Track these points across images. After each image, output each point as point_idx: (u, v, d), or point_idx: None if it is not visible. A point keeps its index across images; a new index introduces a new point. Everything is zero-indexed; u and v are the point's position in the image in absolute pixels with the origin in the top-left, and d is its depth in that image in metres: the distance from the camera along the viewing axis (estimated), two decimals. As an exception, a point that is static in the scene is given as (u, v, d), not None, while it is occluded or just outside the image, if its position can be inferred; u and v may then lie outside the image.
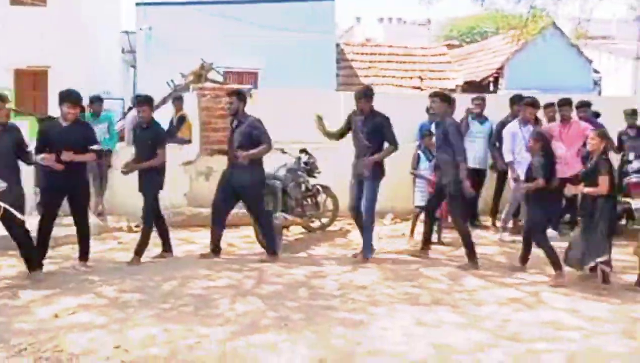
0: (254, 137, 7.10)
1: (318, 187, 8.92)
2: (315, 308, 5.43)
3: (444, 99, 7.35)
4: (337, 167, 9.65)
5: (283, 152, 8.77)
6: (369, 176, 7.16)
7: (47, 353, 4.39)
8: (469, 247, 7.09)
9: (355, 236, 8.65)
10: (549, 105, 9.10)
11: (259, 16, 16.63)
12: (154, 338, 4.64)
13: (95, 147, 6.79)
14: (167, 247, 7.38)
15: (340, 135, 7.56)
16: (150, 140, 7.01)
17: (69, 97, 6.53)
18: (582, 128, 8.60)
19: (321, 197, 9.04)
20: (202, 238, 8.46)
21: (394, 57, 19.94)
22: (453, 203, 7.20)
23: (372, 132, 7.18)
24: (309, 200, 8.89)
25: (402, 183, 8.99)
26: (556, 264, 6.48)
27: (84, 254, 6.84)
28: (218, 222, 7.33)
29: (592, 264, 6.32)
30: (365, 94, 7.28)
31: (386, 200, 9.98)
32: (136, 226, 8.70)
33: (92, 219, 8.87)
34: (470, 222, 9.40)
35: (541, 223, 6.70)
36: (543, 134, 7.05)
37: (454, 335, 4.84)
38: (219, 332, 4.78)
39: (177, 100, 10.31)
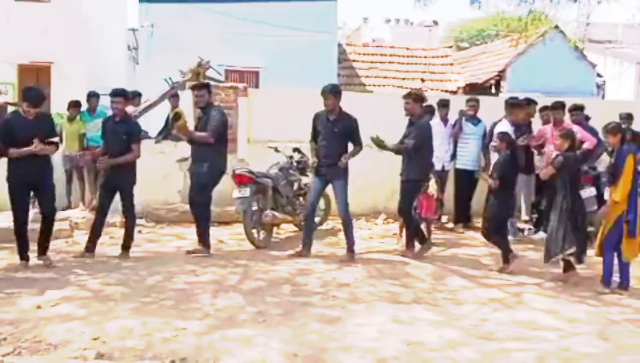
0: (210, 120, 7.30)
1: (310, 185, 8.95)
2: (295, 304, 5.50)
3: (417, 98, 7.45)
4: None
5: (276, 150, 8.83)
6: (342, 177, 7.28)
7: (26, 343, 4.47)
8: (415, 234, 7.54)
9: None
10: (544, 108, 9.15)
11: (261, 15, 16.70)
12: (132, 331, 4.72)
13: (54, 139, 6.73)
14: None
15: (316, 141, 7.54)
16: (125, 134, 7.03)
17: (28, 97, 6.52)
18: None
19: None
20: (195, 234, 8.55)
21: (396, 58, 19.98)
22: (403, 195, 7.45)
23: (344, 133, 7.29)
24: (300, 198, 8.93)
25: (397, 183, 8.97)
26: (505, 257, 7.03)
27: (45, 249, 6.73)
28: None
29: (558, 257, 6.52)
30: (333, 90, 7.36)
31: (380, 200, 10.12)
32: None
33: (86, 213, 9.03)
34: (464, 224, 9.48)
35: (498, 217, 7.09)
36: (508, 133, 7.45)
37: (428, 332, 4.90)
38: (197, 326, 4.86)
39: (173, 97, 10.39)
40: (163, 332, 4.73)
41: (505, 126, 8.45)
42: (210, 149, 7.28)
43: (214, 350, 4.43)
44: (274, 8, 17.05)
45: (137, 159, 7.16)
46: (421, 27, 29.68)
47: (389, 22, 41.03)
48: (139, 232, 8.14)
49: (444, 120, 9.38)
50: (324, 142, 7.36)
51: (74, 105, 9.58)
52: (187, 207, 9.37)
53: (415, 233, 7.58)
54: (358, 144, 7.36)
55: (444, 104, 9.46)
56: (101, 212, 7.22)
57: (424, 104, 9.36)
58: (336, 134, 7.28)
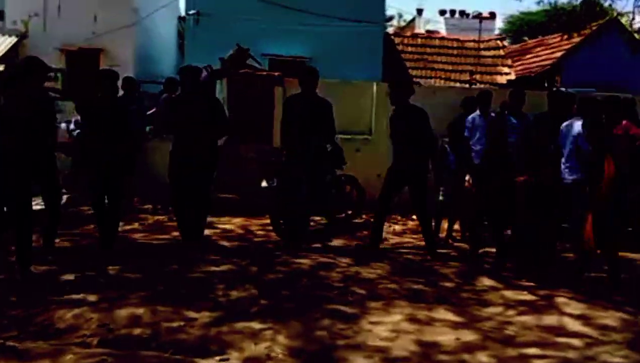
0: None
1: (343, 178, 8.77)
2: (310, 299, 5.35)
3: (404, 85, 7.28)
4: (366, 158, 9.58)
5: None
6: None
7: (33, 327, 4.46)
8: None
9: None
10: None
11: (308, 4, 16.51)
12: (140, 319, 4.67)
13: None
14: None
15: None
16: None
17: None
18: (622, 126, 8.20)
19: (347, 188, 8.90)
20: (225, 224, 8.53)
21: (445, 50, 19.50)
22: (416, 189, 7.09)
23: (320, 115, 7.17)
24: (333, 191, 8.75)
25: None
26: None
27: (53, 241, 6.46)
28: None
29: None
30: (312, 72, 7.28)
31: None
32: (160, 208, 8.80)
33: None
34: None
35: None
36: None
37: (445, 334, 4.68)
38: (206, 317, 4.77)
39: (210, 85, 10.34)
40: (171, 321, 4.66)
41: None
42: None
43: (220, 343, 4.33)
44: (321, -3, 16.85)
45: None
46: (477, 20, 28.93)
47: (444, 14, 40.32)
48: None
49: (485, 113, 9.03)
50: (304, 125, 7.16)
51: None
52: (221, 196, 9.42)
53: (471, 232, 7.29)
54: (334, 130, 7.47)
55: (484, 97, 9.10)
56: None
57: (467, 96, 9.15)
58: (316, 117, 7.20)
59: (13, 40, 16.40)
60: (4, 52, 15.65)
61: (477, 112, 8.96)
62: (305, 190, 7.12)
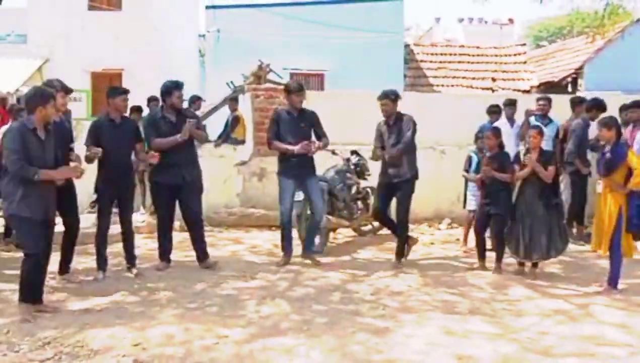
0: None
1: (368, 189, 8.71)
2: (342, 313, 5.29)
3: (396, 99, 7.10)
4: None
5: (333, 153, 8.61)
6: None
7: (67, 348, 4.46)
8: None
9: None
10: (624, 108, 8.52)
11: (326, 17, 16.61)
12: (173, 337, 4.65)
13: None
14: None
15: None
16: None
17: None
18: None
19: (372, 200, 8.84)
20: (252, 239, 8.52)
21: (466, 58, 19.42)
22: (405, 197, 7.02)
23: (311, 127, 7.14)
24: (358, 202, 8.71)
25: (462, 186, 8.59)
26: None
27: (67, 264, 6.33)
28: None
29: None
30: (302, 88, 7.19)
31: (445, 204, 9.75)
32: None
33: (145, 217, 9.13)
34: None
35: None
36: (499, 129, 7.28)
37: (481, 346, 4.59)
38: (238, 334, 4.74)
39: (232, 101, 10.40)
40: (204, 339, 4.63)
41: None
42: None
43: (253, 360, 4.29)
44: (339, 10, 16.93)
45: None
46: (496, 26, 28.81)
47: (462, 21, 40.24)
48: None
49: (510, 120, 8.95)
50: (298, 139, 7.03)
51: (136, 110, 9.69)
52: (247, 210, 9.43)
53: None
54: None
55: (510, 103, 9.03)
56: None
57: (492, 104, 9.08)
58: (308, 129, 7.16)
59: (38, 63, 16.67)
60: (29, 75, 15.89)
61: (503, 118, 8.90)
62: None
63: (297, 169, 7.00)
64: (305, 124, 7.09)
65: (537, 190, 6.65)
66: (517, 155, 7.29)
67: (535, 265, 6.81)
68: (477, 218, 7.22)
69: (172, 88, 6.77)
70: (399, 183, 7.04)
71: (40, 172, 5.00)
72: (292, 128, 7.03)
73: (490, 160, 6.94)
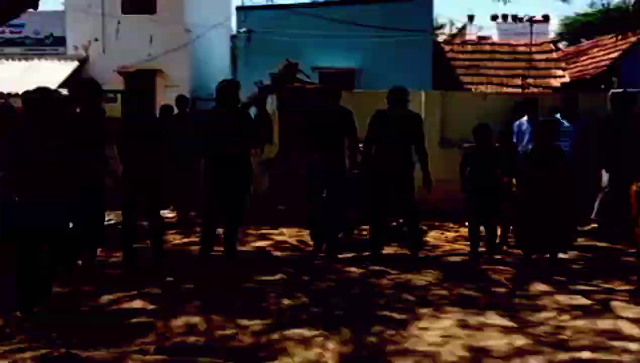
0: None
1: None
2: (361, 306, 5.41)
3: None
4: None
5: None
6: None
7: (94, 336, 4.67)
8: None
9: (431, 236, 8.57)
10: None
11: (355, 16, 16.67)
12: (195, 328, 4.83)
13: None
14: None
15: None
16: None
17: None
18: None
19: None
20: (279, 235, 8.69)
21: (496, 55, 19.29)
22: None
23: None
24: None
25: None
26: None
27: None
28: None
29: None
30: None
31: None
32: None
33: (175, 213, 9.37)
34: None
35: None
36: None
37: (496, 339, 4.66)
38: (258, 325, 4.89)
39: (259, 100, 10.56)
40: (225, 329, 4.80)
41: None
42: None
43: (270, 350, 4.44)
44: (368, 9, 16.97)
45: None
46: (530, 24, 28.40)
47: (496, 19, 39.73)
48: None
49: (532, 117, 8.94)
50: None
51: (166, 109, 9.93)
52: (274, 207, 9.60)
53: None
54: None
55: (530, 101, 9.07)
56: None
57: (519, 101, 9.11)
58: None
59: (75, 64, 17.15)
60: (66, 76, 16.37)
61: (525, 117, 8.90)
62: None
63: (323, 166, 7.13)
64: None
65: (548, 186, 6.70)
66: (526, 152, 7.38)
67: (552, 260, 6.84)
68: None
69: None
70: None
71: None
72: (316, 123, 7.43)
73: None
